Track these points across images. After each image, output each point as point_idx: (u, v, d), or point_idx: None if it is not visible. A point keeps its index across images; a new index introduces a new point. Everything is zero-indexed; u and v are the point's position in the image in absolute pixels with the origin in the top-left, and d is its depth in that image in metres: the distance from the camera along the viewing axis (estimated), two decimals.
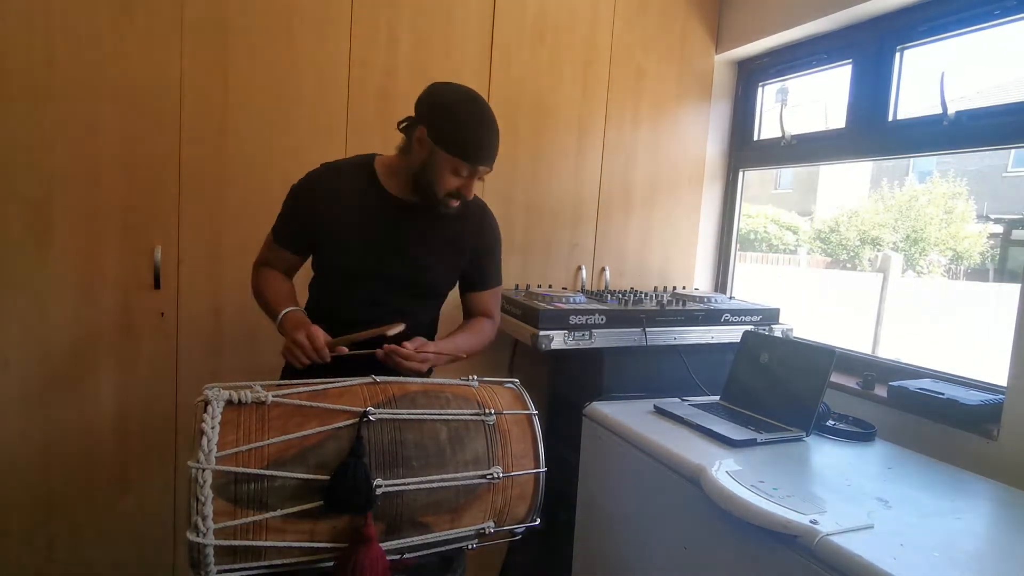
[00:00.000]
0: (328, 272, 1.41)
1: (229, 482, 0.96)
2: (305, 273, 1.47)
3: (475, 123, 1.27)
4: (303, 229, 1.38)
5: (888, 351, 5.98)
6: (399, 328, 1.26)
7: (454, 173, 1.27)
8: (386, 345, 1.25)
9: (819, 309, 6.27)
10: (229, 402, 1.01)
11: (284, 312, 1.32)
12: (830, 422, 1.61)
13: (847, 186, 13.51)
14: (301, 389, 1.08)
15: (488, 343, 1.51)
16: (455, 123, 1.26)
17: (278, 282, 1.43)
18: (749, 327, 1.93)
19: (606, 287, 2.32)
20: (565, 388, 2.12)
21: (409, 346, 1.27)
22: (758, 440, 1.47)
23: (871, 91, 1.93)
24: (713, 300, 2.05)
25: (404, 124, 1.33)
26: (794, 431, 1.53)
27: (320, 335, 1.22)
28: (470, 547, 1.16)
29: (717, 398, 1.79)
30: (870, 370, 1.83)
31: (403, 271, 1.37)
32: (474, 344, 1.47)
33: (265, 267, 1.45)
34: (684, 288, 2.39)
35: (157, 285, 1.77)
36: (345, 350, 1.23)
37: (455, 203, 1.32)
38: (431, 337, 1.48)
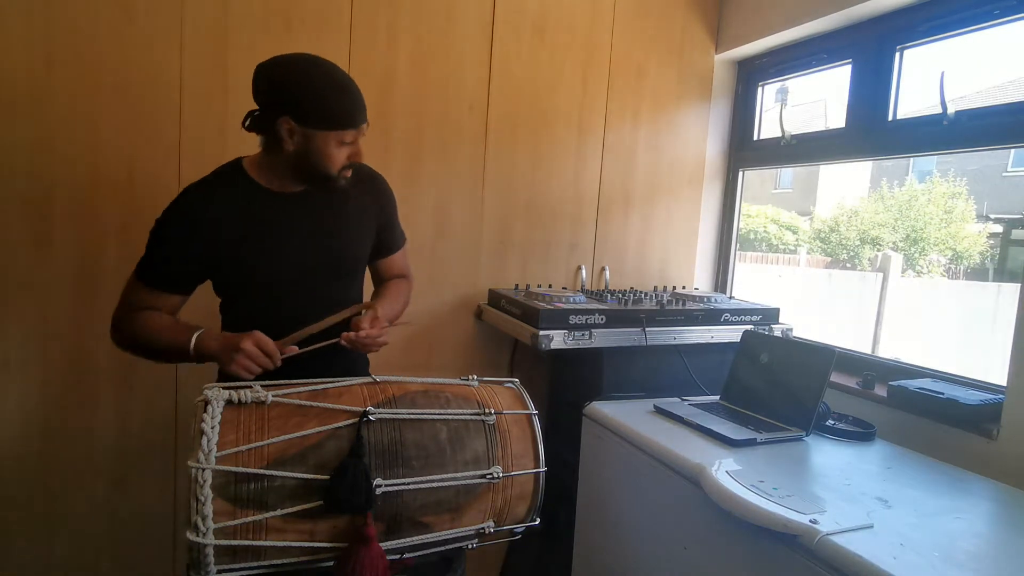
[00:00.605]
0: (241, 289, 1.31)
1: (229, 482, 0.96)
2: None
3: (335, 87, 1.18)
4: (188, 262, 1.24)
5: (888, 351, 5.99)
6: (350, 312, 1.23)
7: (340, 144, 1.21)
8: (345, 334, 1.21)
9: (820, 309, 6.26)
10: (229, 402, 1.01)
11: (196, 334, 1.18)
12: (830, 422, 1.61)
13: (847, 186, 13.51)
14: (301, 389, 1.09)
15: (408, 302, 1.50)
16: (318, 98, 1.17)
17: (160, 317, 1.25)
18: (749, 327, 1.93)
19: (606, 287, 2.32)
20: (565, 388, 2.12)
21: (366, 324, 1.22)
22: (758, 440, 1.47)
23: (871, 91, 1.93)
24: (713, 300, 2.05)
25: (255, 118, 1.22)
26: (794, 431, 1.53)
27: (268, 339, 1.16)
28: (470, 547, 1.16)
29: (717, 398, 1.79)
30: (870, 370, 1.83)
31: (318, 259, 1.31)
32: (401, 305, 1.46)
33: (135, 313, 1.26)
34: (684, 288, 2.39)
35: None
36: (295, 349, 1.19)
37: (349, 173, 1.26)
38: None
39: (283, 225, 1.29)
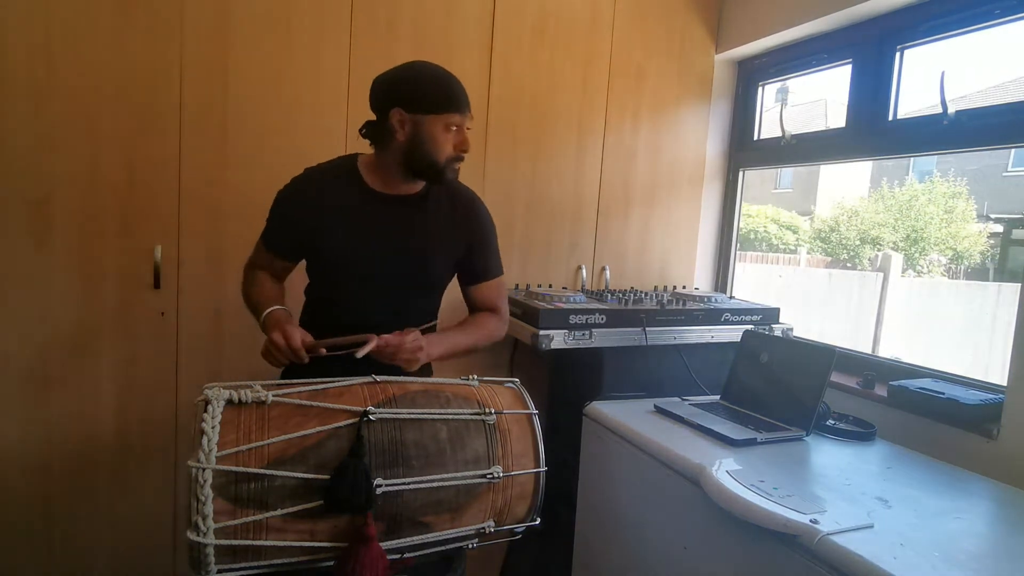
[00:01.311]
0: (323, 275, 1.39)
1: (229, 481, 0.96)
2: (299, 278, 1.46)
3: (442, 75, 1.29)
4: (293, 235, 1.36)
5: (888, 351, 5.99)
6: (374, 343, 1.20)
7: (447, 130, 1.28)
8: (376, 337, 1.21)
9: (820, 309, 6.26)
10: (229, 401, 1.01)
11: (267, 312, 1.29)
12: (830, 421, 1.61)
13: (847, 186, 13.51)
14: (301, 389, 1.09)
15: (494, 338, 1.48)
16: (424, 85, 1.27)
17: (267, 284, 1.40)
18: (749, 327, 1.93)
19: (606, 287, 2.32)
20: (565, 388, 2.12)
21: (393, 340, 1.22)
22: (758, 439, 1.47)
23: (871, 91, 1.93)
24: (713, 300, 2.05)
25: (371, 125, 1.33)
26: (794, 430, 1.53)
27: (296, 334, 1.18)
28: (470, 546, 1.16)
29: (717, 397, 1.79)
30: (870, 369, 1.83)
31: (399, 265, 1.35)
32: (474, 340, 1.44)
33: (255, 269, 1.43)
34: (684, 288, 2.39)
35: (157, 285, 1.77)
36: (323, 351, 1.20)
37: (458, 164, 1.33)
38: (432, 331, 1.45)
39: (373, 224, 1.34)
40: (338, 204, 1.33)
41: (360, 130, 1.34)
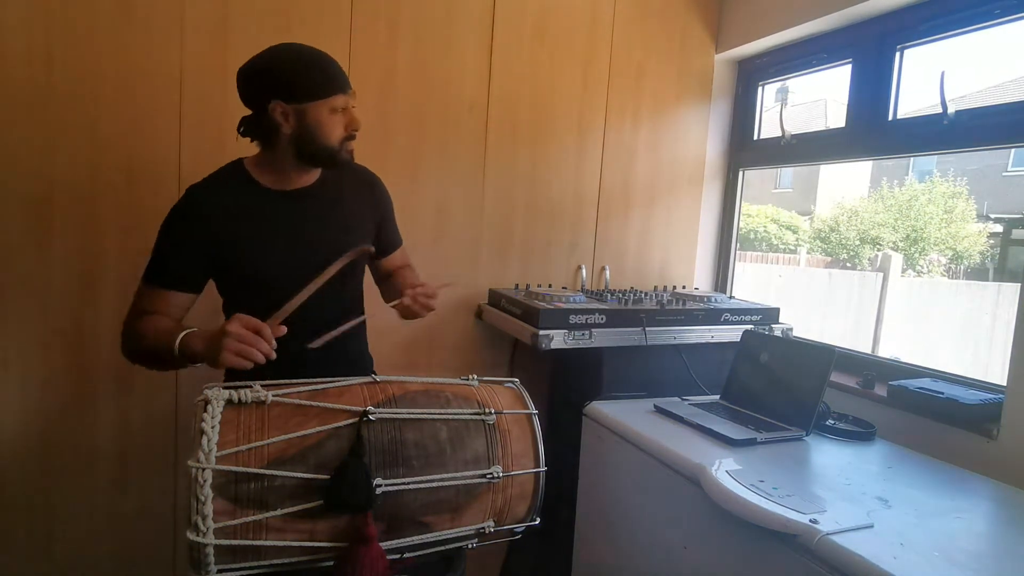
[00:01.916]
0: (243, 289, 1.31)
1: (229, 481, 0.96)
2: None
3: (314, 59, 1.22)
4: (194, 260, 1.25)
5: (888, 350, 5.99)
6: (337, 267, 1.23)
7: (333, 113, 1.23)
8: (409, 291, 1.28)
9: (820, 309, 6.26)
10: (229, 401, 1.01)
11: (182, 334, 1.14)
12: (830, 421, 1.61)
13: (847, 185, 13.52)
14: (301, 388, 1.08)
15: None
16: (300, 72, 1.20)
17: (155, 322, 1.23)
18: (749, 326, 1.93)
19: (606, 286, 2.32)
20: (565, 388, 2.12)
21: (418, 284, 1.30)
22: (758, 439, 1.47)
23: (871, 90, 1.93)
24: (713, 299, 2.06)
25: (247, 120, 1.27)
26: (794, 430, 1.53)
27: (253, 318, 1.08)
28: (470, 546, 1.16)
29: (717, 397, 1.79)
30: (870, 369, 1.83)
31: (319, 258, 1.28)
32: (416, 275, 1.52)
33: (136, 321, 1.26)
34: (684, 287, 2.39)
35: None
36: (283, 329, 1.11)
37: (352, 145, 1.28)
38: (360, 307, 1.46)
39: (281, 223, 1.29)
40: (237, 212, 1.26)
41: (238, 129, 1.28)
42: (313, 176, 1.35)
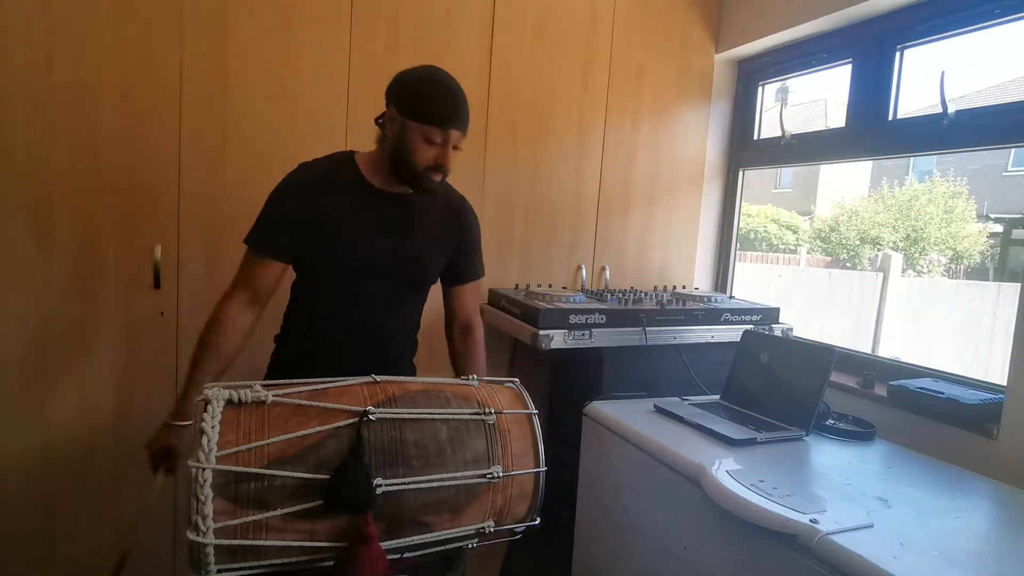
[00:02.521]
0: (318, 269, 1.37)
1: (229, 481, 0.96)
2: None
3: (440, 88, 1.27)
4: (290, 231, 1.32)
5: (888, 350, 5.99)
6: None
7: (428, 142, 1.26)
8: None
9: (820, 308, 6.26)
10: (229, 401, 1.01)
11: (169, 418, 1.33)
12: (830, 421, 1.61)
13: (847, 185, 13.51)
14: (301, 388, 1.08)
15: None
16: (420, 92, 1.27)
17: (211, 357, 1.30)
18: (749, 326, 1.93)
19: (606, 286, 2.32)
20: (565, 388, 2.12)
21: None
22: (758, 439, 1.47)
23: (871, 90, 1.93)
24: (713, 299, 2.06)
25: (380, 117, 1.34)
26: (794, 430, 1.53)
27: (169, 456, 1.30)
28: (470, 546, 1.16)
29: (717, 397, 1.79)
30: (870, 369, 1.83)
31: (396, 260, 1.36)
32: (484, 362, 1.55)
33: (231, 306, 1.32)
34: (684, 287, 2.39)
35: (157, 285, 1.77)
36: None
37: (436, 177, 1.31)
38: (417, 329, 1.51)
39: (372, 217, 1.35)
40: (338, 198, 1.33)
41: (376, 119, 1.35)
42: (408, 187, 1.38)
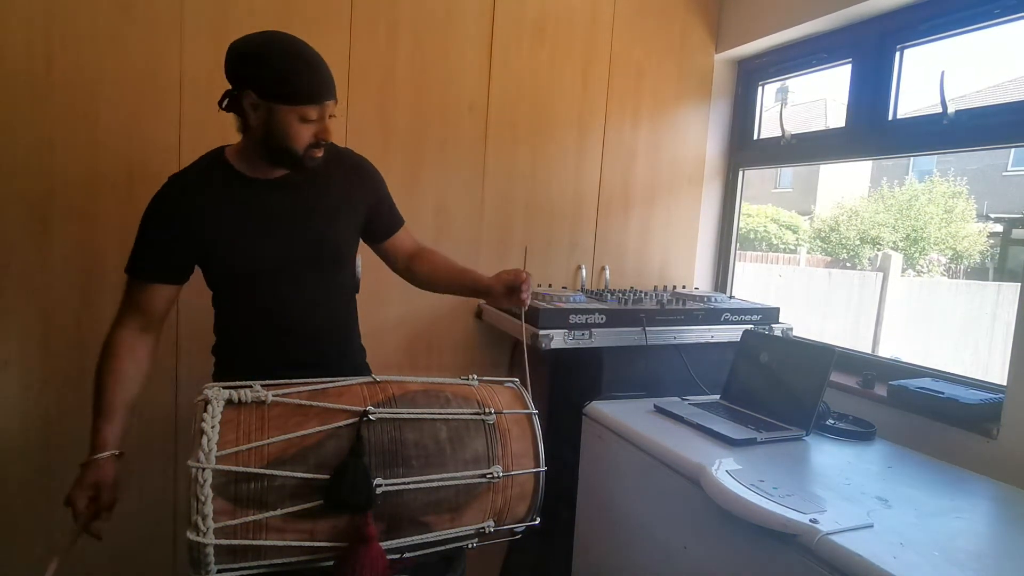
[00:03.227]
0: (229, 282, 1.30)
1: (229, 481, 0.96)
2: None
3: (299, 62, 1.15)
4: (176, 250, 1.23)
5: (888, 350, 5.98)
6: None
7: (303, 121, 1.16)
8: (524, 298, 1.32)
9: (820, 308, 6.26)
10: (229, 401, 1.01)
11: (94, 458, 1.23)
12: (830, 421, 1.61)
13: (847, 185, 13.51)
14: (301, 388, 1.08)
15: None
16: (278, 70, 1.13)
17: (122, 380, 1.22)
18: (749, 326, 1.93)
19: (606, 286, 2.32)
20: (565, 388, 2.12)
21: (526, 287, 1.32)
22: (758, 439, 1.47)
23: (871, 90, 1.93)
24: (713, 299, 2.05)
25: (225, 100, 1.22)
26: (794, 430, 1.53)
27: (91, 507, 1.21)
28: (470, 546, 1.16)
29: (717, 397, 1.79)
30: (870, 369, 1.83)
31: (300, 248, 1.27)
32: (454, 262, 1.51)
33: (123, 333, 1.24)
34: (684, 287, 2.39)
35: None
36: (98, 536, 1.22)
37: (318, 152, 1.21)
38: (354, 308, 1.44)
39: (261, 213, 1.25)
40: (216, 201, 1.24)
41: (219, 102, 1.23)
42: None
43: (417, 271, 1.49)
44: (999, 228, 12.15)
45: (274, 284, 1.28)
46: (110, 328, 1.26)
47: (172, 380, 1.82)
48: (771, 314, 2.03)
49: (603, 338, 1.79)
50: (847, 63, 2.03)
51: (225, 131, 1.79)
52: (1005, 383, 1.49)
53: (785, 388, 1.63)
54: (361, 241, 1.44)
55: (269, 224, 1.26)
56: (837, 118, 2.09)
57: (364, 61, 1.92)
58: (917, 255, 11.33)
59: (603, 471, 1.68)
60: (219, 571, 0.96)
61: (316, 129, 1.18)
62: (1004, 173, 13.05)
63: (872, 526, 1.08)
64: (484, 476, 1.10)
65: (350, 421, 1.04)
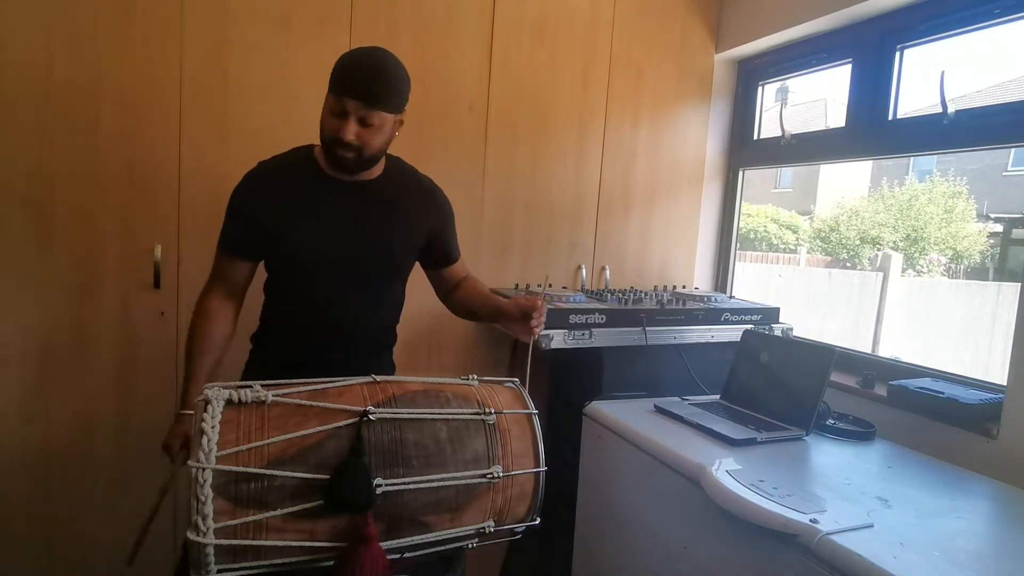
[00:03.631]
0: (285, 267, 1.36)
1: (229, 481, 0.96)
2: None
3: (355, 58, 1.24)
4: (253, 231, 1.32)
5: (888, 350, 5.98)
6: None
7: (331, 112, 1.24)
8: (535, 326, 1.33)
9: (820, 308, 6.26)
10: (229, 401, 1.01)
11: (182, 412, 1.27)
12: (830, 421, 1.61)
13: (847, 185, 13.50)
14: (301, 388, 1.08)
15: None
16: (339, 62, 1.24)
17: (203, 346, 1.32)
18: (749, 326, 1.93)
19: (606, 286, 2.32)
20: (565, 388, 2.12)
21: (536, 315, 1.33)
22: (758, 439, 1.48)
23: (871, 90, 1.93)
24: (713, 299, 2.05)
25: None
26: (794, 430, 1.53)
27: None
28: (470, 546, 1.16)
29: (717, 397, 1.79)
30: (870, 369, 1.83)
31: (361, 250, 1.34)
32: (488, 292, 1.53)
33: (212, 299, 1.35)
34: (684, 287, 2.39)
35: (157, 285, 1.77)
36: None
37: (343, 152, 1.25)
38: (396, 318, 1.49)
39: (329, 208, 1.32)
40: (295, 193, 1.32)
41: None
42: (375, 172, 1.36)
43: (454, 300, 1.55)
44: (999, 228, 12.14)
45: (325, 277, 1.34)
46: (200, 295, 1.37)
47: (172, 380, 1.82)
48: (771, 314, 2.03)
49: (603, 338, 1.79)
50: (847, 63, 2.03)
51: (225, 131, 1.80)
52: (1005, 383, 1.49)
53: (785, 388, 1.63)
54: None
55: (335, 221, 1.33)
56: (837, 118, 2.09)
57: None
58: (917, 255, 11.32)
59: (603, 471, 1.68)
60: (219, 571, 0.96)
61: (337, 125, 1.23)
62: (1004, 173, 13.05)
63: (872, 526, 1.08)
64: (484, 476, 1.10)
65: (350, 421, 1.04)
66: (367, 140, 1.25)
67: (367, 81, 1.22)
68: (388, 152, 1.37)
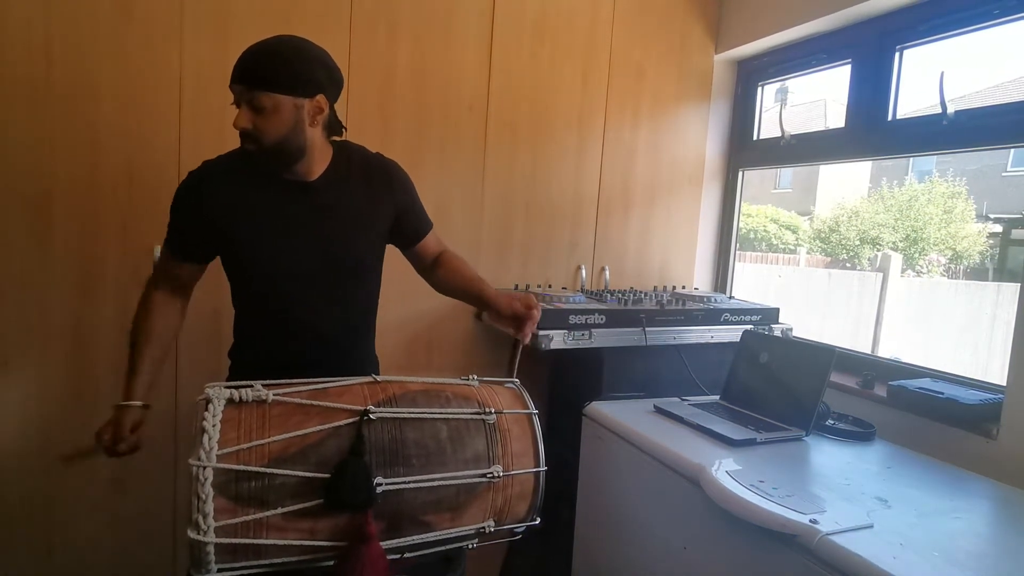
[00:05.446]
0: (245, 279, 1.30)
1: (230, 480, 0.96)
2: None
3: (250, 46, 1.16)
4: (198, 233, 1.25)
5: (888, 350, 5.99)
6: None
7: (235, 103, 1.17)
8: (525, 333, 1.33)
9: (820, 309, 6.26)
10: (230, 400, 1.01)
11: (122, 404, 1.24)
12: (830, 421, 1.62)
13: (847, 185, 13.50)
14: (302, 388, 1.09)
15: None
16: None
17: (156, 326, 1.28)
18: (749, 327, 1.93)
19: (606, 287, 2.32)
20: (565, 388, 2.12)
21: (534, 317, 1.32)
22: (758, 439, 1.48)
23: (871, 91, 1.93)
24: (713, 300, 2.06)
25: None
26: (794, 430, 1.53)
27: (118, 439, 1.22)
28: (470, 546, 1.16)
29: (717, 397, 1.79)
30: (869, 369, 1.83)
31: (319, 254, 1.26)
32: (473, 272, 1.47)
33: (157, 287, 1.30)
34: (684, 288, 2.39)
35: None
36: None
37: (245, 145, 1.19)
38: (372, 317, 1.43)
39: (281, 213, 1.24)
40: (242, 193, 1.23)
41: None
42: (319, 167, 1.26)
43: (435, 275, 1.48)
44: (999, 228, 12.14)
45: (290, 288, 1.27)
46: (145, 286, 1.32)
47: (172, 380, 1.82)
48: (771, 314, 2.03)
49: (603, 338, 1.79)
50: (847, 63, 2.03)
51: (224, 131, 1.80)
52: (1005, 383, 1.49)
53: (785, 388, 1.63)
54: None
55: (288, 227, 1.25)
56: (837, 118, 2.09)
57: (364, 61, 1.92)
58: (917, 255, 11.32)
59: (603, 471, 1.68)
60: (219, 570, 0.96)
61: (236, 115, 1.17)
62: (1004, 173, 13.05)
63: (872, 526, 1.08)
64: (484, 475, 1.10)
65: (351, 420, 1.04)
66: (261, 127, 1.16)
67: (248, 62, 1.15)
68: (335, 139, 1.30)
